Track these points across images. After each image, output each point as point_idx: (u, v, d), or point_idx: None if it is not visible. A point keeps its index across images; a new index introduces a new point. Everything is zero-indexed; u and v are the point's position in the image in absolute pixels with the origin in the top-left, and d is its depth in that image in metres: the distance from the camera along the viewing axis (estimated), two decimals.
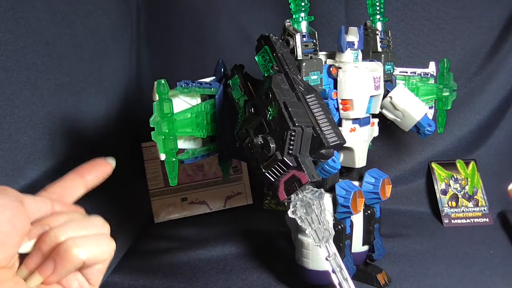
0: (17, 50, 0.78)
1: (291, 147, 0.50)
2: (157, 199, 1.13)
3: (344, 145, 0.57)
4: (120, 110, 1.10)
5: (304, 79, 0.60)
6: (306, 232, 0.51)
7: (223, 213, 1.16)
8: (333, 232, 0.51)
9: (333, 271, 0.50)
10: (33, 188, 0.80)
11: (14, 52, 0.78)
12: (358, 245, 0.77)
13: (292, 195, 0.51)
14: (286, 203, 0.53)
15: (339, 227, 0.71)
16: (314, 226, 0.51)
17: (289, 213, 0.52)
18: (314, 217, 0.51)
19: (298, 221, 0.52)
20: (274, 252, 0.93)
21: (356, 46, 0.71)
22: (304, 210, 0.51)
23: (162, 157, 0.61)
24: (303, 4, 0.63)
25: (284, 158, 0.50)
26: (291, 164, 0.50)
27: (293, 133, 0.50)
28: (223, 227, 1.06)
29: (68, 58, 0.92)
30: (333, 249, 0.51)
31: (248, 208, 1.19)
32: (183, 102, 0.64)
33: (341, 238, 0.72)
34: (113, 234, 1.06)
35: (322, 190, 0.52)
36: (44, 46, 0.85)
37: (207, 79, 0.69)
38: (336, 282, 0.49)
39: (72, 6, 0.93)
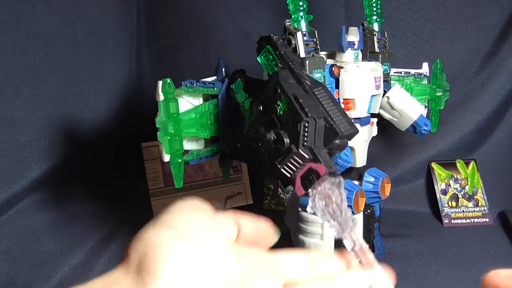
0: (17, 50, 0.78)
1: (305, 138, 0.49)
2: (157, 199, 1.12)
3: None
4: (120, 110, 1.10)
5: None
6: (329, 225, 0.50)
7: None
8: (356, 221, 0.50)
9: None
10: (33, 188, 0.81)
11: (14, 52, 0.78)
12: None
13: (310, 189, 0.50)
14: (307, 198, 0.52)
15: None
16: (337, 217, 0.49)
17: (308, 209, 0.50)
18: (335, 207, 0.49)
19: (319, 215, 0.50)
20: None
21: (356, 46, 0.71)
22: (324, 203, 0.50)
23: (166, 158, 0.60)
24: (301, 3, 0.63)
25: (300, 150, 0.49)
26: (307, 156, 0.49)
27: (306, 124, 0.49)
28: None
29: (68, 58, 0.92)
30: (358, 238, 0.49)
31: (248, 208, 1.18)
32: (185, 102, 0.64)
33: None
34: (113, 234, 1.06)
35: (341, 178, 0.51)
36: (44, 46, 0.85)
37: (209, 79, 0.69)
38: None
39: (72, 6, 0.93)
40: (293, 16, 0.64)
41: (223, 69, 0.70)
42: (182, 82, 0.61)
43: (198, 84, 0.64)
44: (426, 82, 0.89)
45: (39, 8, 0.84)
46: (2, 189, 0.75)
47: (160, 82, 0.57)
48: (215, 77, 0.70)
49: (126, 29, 1.16)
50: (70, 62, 0.92)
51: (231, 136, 0.67)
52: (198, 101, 0.66)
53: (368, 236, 0.78)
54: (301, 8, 0.63)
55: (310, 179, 0.49)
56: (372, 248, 0.81)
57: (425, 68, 0.89)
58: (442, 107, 0.89)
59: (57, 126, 0.88)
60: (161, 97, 0.57)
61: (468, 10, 1.11)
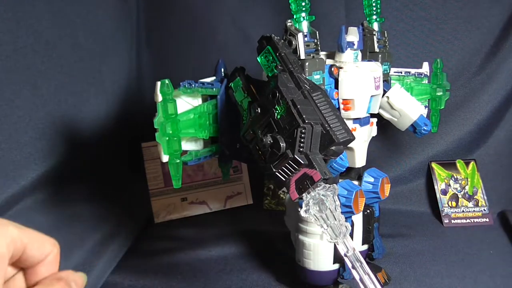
0: (17, 50, 0.78)
1: (301, 144, 0.50)
2: (157, 199, 1.13)
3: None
4: (120, 110, 1.10)
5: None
6: (322, 230, 0.50)
7: (223, 213, 1.16)
8: (349, 227, 0.50)
9: (353, 267, 0.49)
10: (33, 188, 0.80)
11: (14, 52, 0.78)
12: (357, 244, 0.77)
13: (304, 194, 0.51)
14: (298, 202, 0.52)
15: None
16: (330, 223, 0.50)
17: (302, 213, 0.51)
18: (328, 213, 0.50)
19: (312, 220, 0.51)
20: (274, 252, 0.93)
21: (356, 46, 0.71)
22: (317, 208, 0.50)
23: (165, 158, 0.59)
24: (303, 4, 0.63)
25: (295, 156, 0.50)
26: (302, 162, 0.50)
27: (303, 130, 0.50)
28: (223, 227, 1.06)
29: (68, 58, 0.92)
30: (351, 244, 0.50)
31: (248, 208, 1.19)
32: (184, 103, 0.64)
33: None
34: (113, 234, 1.07)
35: (335, 185, 0.51)
36: (44, 46, 0.85)
37: (208, 79, 0.69)
38: (357, 277, 0.48)
39: (72, 6, 0.93)
40: (295, 17, 0.64)
41: (222, 69, 0.70)
42: (181, 83, 0.61)
43: (197, 84, 0.64)
44: (427, 81, 0.89)
45: (39, 8, 0.84)
46: (2, 189, 0.74)
47: (159, 83, 0.57)
48: (214, 78, 0.70)
49: (126, 29, 1.16)
50: (70, 62, 0.92)
51: (230, 136, 0.67)
52: (197, 101, 0.66)
53: (367, 236, 0.78)
54: (303, 9, 0.63)
55: (305, 184, 0.49)
56: (372, 248, 0.81)
57: (425, 68, 0.89)
58: (442, 107, 0.89)
59: (57, 126, 0.88)
60: (160, 98, 0.57)
61: (468, 10, 1.11)
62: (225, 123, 0.67)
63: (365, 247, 0.79)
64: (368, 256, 0.81)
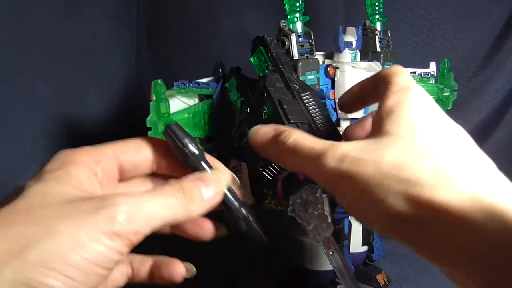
0: (17, 50, 0.79)
1: None
2: None
3: None
4: (120, 110, 1.10)
5: (301, 79, 0.60)
6: (307, 229, 0.51)
7: (223, 213, 1.16)
8: (333, 227, 0.51)
9: (336, 267, 0.49)
10: None
11: (14, 52, 0.78)
12: (357, 246, 0.77)
13: (291, 194, 0.51)
14: (284, 202, 0.53)
15: (337, 227, 0.71)
16: (314, 222, 0.50)
17: (288, 212, 0.51)
18: (313, 213, 0.50)
19: (297, 219, 0.51)
20: (274, 253, 0.93)
21: (354, 46, 0.71)
22: (303, 207, 0.51)
23: None
24: (297, 4, 0.63)
25: None
26: None
27: None
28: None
29: (68, 58, 0.92)
30: (334, 244, 0.50)
31: None
32: (180, 103, 0.64)
33: (339, 238, 0.72)
34: None
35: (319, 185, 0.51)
36: (44, 46, 0.85)
37: (205, 79, 0.69)
38: (340, 276, 0.48)
39: (72, 6, 0.94)
40: (288, 17, 0.64)
41: (220, 70, 0.70)
42: (174, 83, 0.61)
43: (191, 84, 0.64)
44: (433, 81, 0.88)
45: (39, 8, 0.84)
46: (2, 189, 0.75)
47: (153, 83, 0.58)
48: (211, 77, 0.70)
49: (126, 29, 1.16)
50: (70, 62, 0.93)
51: (226, 135, 0.67)
52: (193, 101, 0.66)
53: (367, 237, 0.78)
54: (297, 9, 0.63)
55: (291, 184, 0.49)
56: (372, 250, 0.80)
57: (432, 68, 0.88)
58: (449, 107, 0.88)
59: (57, 126, 0.88)
60: (154, 97, 0.58)
61: (468, 10, 1.11)
62: (221, 123, 0.67)
63: (365, 248, 0.79)
64: (368, 257, 0.81)
